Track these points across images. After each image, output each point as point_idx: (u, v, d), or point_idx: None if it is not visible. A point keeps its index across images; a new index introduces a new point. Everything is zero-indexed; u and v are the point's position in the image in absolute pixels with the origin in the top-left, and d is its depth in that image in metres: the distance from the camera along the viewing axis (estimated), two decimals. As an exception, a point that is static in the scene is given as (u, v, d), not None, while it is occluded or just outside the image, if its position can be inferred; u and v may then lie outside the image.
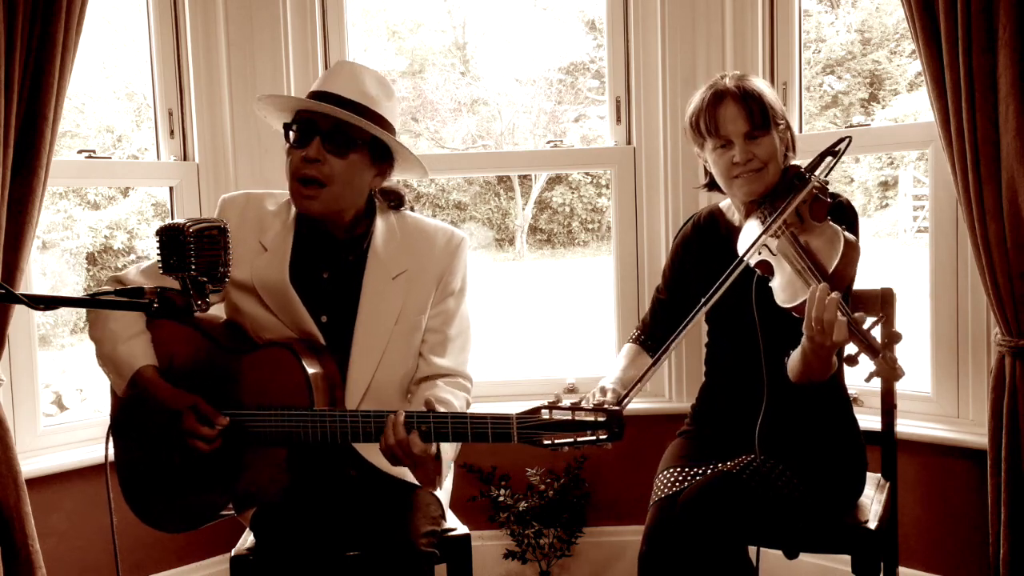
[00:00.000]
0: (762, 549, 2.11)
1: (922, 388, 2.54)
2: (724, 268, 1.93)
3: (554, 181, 11.65)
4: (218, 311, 1.88)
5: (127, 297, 1.36)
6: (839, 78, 9.51)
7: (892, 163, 9.48)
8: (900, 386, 1.76)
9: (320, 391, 1.77)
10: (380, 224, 1.94)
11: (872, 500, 2.06)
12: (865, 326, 1.68)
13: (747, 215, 2.01)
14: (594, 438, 1.56)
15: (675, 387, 2.88)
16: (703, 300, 1.89)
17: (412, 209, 2.03)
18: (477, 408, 1.95)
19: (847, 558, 2.02)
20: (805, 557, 2.45)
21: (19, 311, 2.34)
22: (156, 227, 1.45)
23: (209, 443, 1.76)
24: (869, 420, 2.19)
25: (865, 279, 1.86)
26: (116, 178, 3.03)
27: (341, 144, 1.80)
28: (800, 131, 2.79)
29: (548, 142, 3.01)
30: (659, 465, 2.07)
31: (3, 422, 2.23)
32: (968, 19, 2.04)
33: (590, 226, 11.92)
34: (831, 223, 1.84)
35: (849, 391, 2.08)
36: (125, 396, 1.88)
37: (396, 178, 2.00)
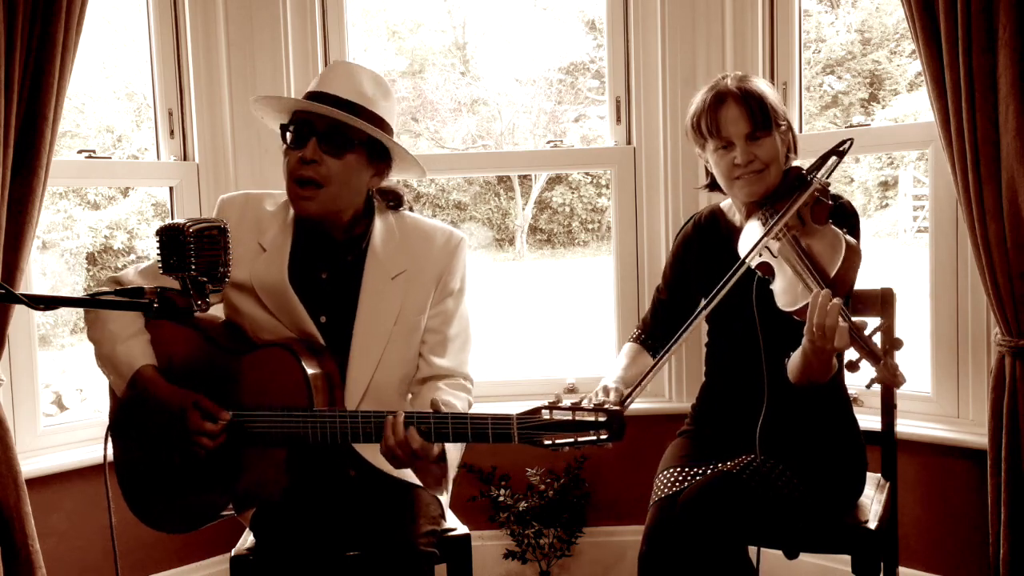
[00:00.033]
0: (762, 549, 2.10)
1: (922, 388, 2.54)
2: (725, 268, 1.93)
3: (554, 181, 11.65)
4: (217, 311, 1.88)
5: (127, 297, 1.36)
6: (839, 78, 9.51)
7: (892, 163, 9.48)
8: (897, 365, 1.76)
9: (319, 391, 1.77)
10: (379, 224, 1.94)
11: (872, 500, 2.06)
12: (867, 332, 1.68)
13: (748, 215, 2.01)
14: (595, 438, 1.56)
15: (675, 387, 2.88)
16: (705, 303, 1.89)
17: (411, 209, 2.03)
18: (477, 408, 1.95)
19: (847, 558, 2.02)
20: (805, 557, 2.45)
21: (19, 311, 2.34)
22: (156, 227, 1.45)
23: (214, 439, 1.76)
24: (869, 420, 2.19)
25: (865, 279, 1.86)
26: (116, 178, 3.03)
27: (337, 145, 1.80)
28: (800, 131, 2.79)
29: (548, 142, 3.01)
30: (659, 465, 2.07)
31: (3, 422, 2.23)
32: (968, 19, 2.04)
33: (590, 226, 11.92)
34: (832, 226, 1.84)
35: (849, 391, 2.07)
36: (125, 396, 1.87)
37: (396, 178, 2.01)
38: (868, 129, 2.69)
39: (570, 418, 1.57)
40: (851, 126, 2.79)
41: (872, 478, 2.14)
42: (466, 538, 1.97)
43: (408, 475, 1.87)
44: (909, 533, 2.49)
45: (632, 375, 2.05)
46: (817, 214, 1.87)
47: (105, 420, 1.96)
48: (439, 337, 1.95)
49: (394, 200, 1.99)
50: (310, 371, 1.76)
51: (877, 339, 1.68)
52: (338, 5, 2.89)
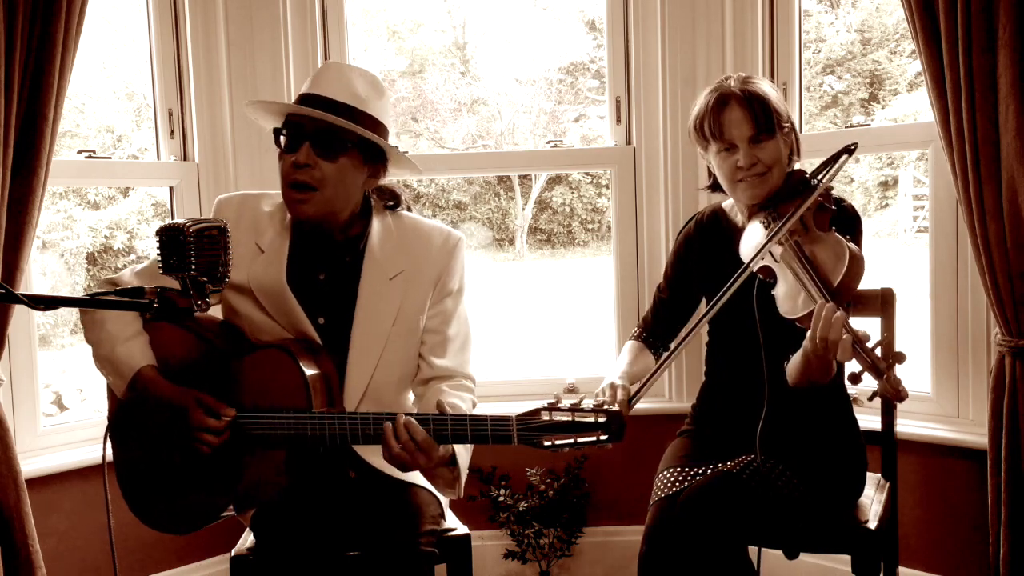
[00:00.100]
0: (762, 549, 2.11)
1: (922, 388, 2.54)
2: (726, 267, 1.94)
3: (554, 181, 11.65)
4: (215, 312, 1.88)
5: (127, 297, 1.36)
6: (839, 78, 9.51)
7: (892, 163, 9.49)
8: (899, 377, 1.76)
9: (318, 393, 1.76)
10: (376, 225, 1.93)
11: (872, 500, 2.06)
12: (870, 344, 1.68)
13: (750, 216, 2.01)
14: (594, 439, 1.56)
15: (675, 387, 2.88)
16: (707, 308, 1.90)
17: (409, 209, 2.02)
18: (478, 408, 1.95)
19: (847, 558, 2.02)
20: (805, 557, 2.45)
21: (19, 311, 2.34)
22: (156, 227, 1.44)
23: (218, 435, 1.75)
24: (869, 420, 2.19)
25: (865, 279, 1.86)
26: (116, 178, 3.03)
27: (331, 148, 1.79)
28: (800, 131, 2.78)
29: (548, 142, 3.01)
30: (659, 465, 2.06)
31: (3, 422, 2.23)
32: (968, 19, 2.04)
33: (590, 226, 11.93)
34: (836, 233, 1.84)
35: (849, 391, 2.07)
36: (125, 397, 1.87)
37: (395, 178, 2.00)
38: (868, 129, 2.69)
39: (569, 419, 1.57)
40: (851, 126, 2.79)
41: (872, 478, 2.14)
42: (466, 538, 1.97)
43: (409, 475, 1.87)
44: (909, 533, 2.49)
45: (636, 371, 2.06)
46: (820, 220, 1.87)
47: (105, 420, 1.96)
48: (439, 338, 1.94)
49: (392, 199, 1.98)
50: (308, 372, 1.76)
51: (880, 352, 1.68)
52: (338, 5, 2.89)
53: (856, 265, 1.78)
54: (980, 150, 2.08)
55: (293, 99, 1.88)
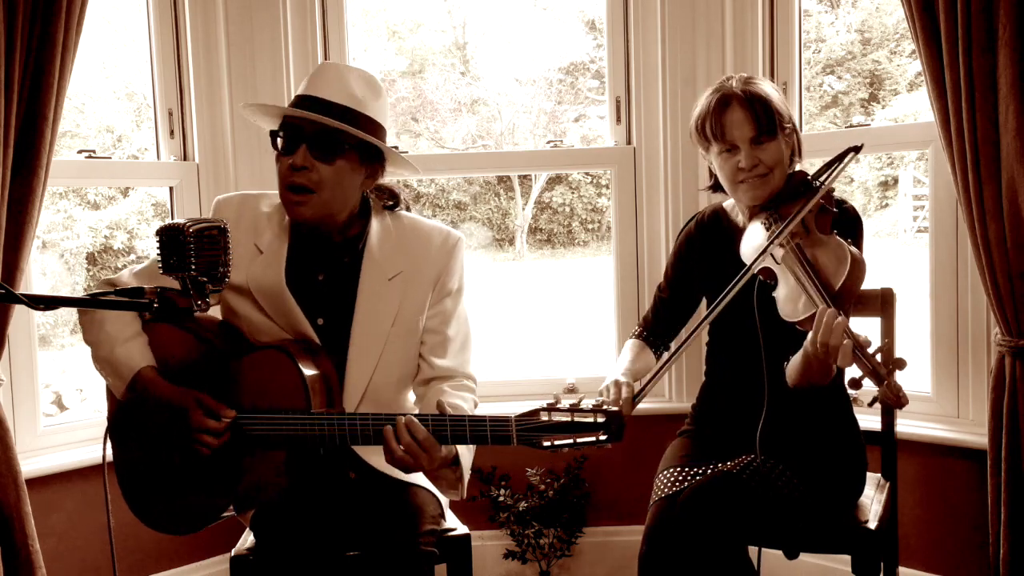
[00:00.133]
0: (762, 549, 2.10)
1: (922, 388, 2.54)
2: (727, 267, 1.94)
3: (554, 181, 11.65)
4: (214, 312, 1.88)
5: (127, 297, 1.36)
6: (839, 78, 9.51)
7: (892, 163, 9.49)
8: (900, 381, 1.76)
9: (317, 393, 1.76)
10: (375, 225, 1.93)
11: (872, 500, 2.06)
12: (871, 350, 1.67)
13: (751, 217, 2.01)
14: (593, 439, 1.55)
15: (675, 387, 2.88)
16: (708, 310, 1.90)
17: (408, 209, 2.02)
18: (479, 409, 1.95)
19: (847, 558, 2.02)
20: (805, 557, 2.45)
21: (19, 311, 2.34)
22: (156, 227, 1.44)
23: (218, 437, 1.75)
24: (869, 420, 2.19)
25: (865, 280, 1.86)
26: (116, 178, 3.03)
27: (328, 150, 1.78)
28: (800, 131, 2.78)
29: (548, 142, 3.01)
30: (659, 465, 2.06)
31: (3, 422, 2.23)
32: (968, 19, 2.04)
33: (590, 226, 11.92)
34: (837, 237, 1.84)
35: (849, 393, 2.07)
36: (124, 398, 1.87)
37: (395, 178, 2.00)
38: (868, 129, 2.69)
39: (569, 419, 1.56)
40: (851, 126, 2.79)
41: (872, 478, 2.14)
42: (466, 538, 1.97)
43: (410, 476, 1.86)
44: (909, 533, 2.49)
45: (639, 368, 2.06)
46: (822, 223, 1.87)
47: (105, 420, 1.96)
48: (439, 338, 1.94)
49: (391, 199, 1.98)
50: (307, 372, 1.75)
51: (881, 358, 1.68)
52: (338, 5, 2.89)
53: (857, 269, 1.78)
54: (980, 150, 2.08)
55: (292, 99, 1.88)
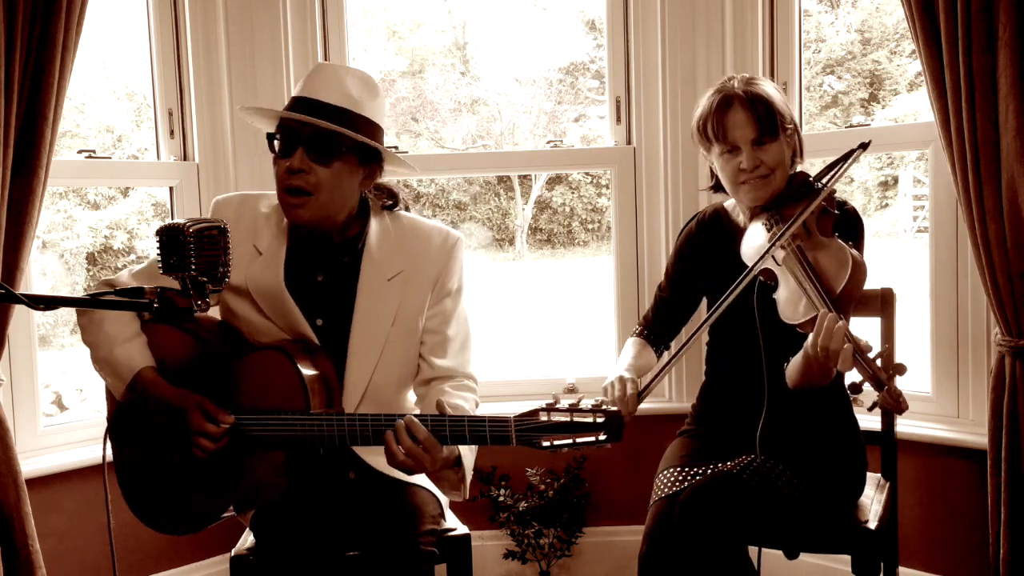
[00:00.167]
0: (762, 549, 2.10)
1: (922, 388, 2.54)
2: (728, 267, 1.94)
3: (554, 181, 11.65)
4: (213, 312, 1.87)
5: (127, 297, 1.36)
6: (839, 78, 9.51)
7: (892, 163, 9.49)
8: (900, 386, 1.76)
9: (316, 394, 1.76)
10: (374, 225, 1.92)
11: (872, 500, 2.06)
12: (871, 355, 1.67)
13: (752, 217, 2.01)
14: (593, 439, 1.55)
15: (675, 387, 2.88)
16: (709, 312, 1.90)
17: (408, 209, 2.02)
18: (479, 409, 1.95)
19: (847, 558, 2.02)
20: (805, 557, 2.45)
21: (19, 311, 2.34)
22: (156, 227, 1.44)
23: (215, 441, 1.75)
24: (869, 420, 2.19)
25: (866, 282, 1.86)
26: (116, 178, 3.03)
27: (325, 152, 1.78)
28: (801, 131, 2.78)
29: (548, 142, 3.01)
30: (659, 465, 2.06)
31: (3, 422, 2.23)
32: (968, 19, 2.04)
33: (590, 226, 11.93)
34: (838, 240, 1.83)
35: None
36: (124, 399, 1.87)
37: (395, 177, 2.00)
38: (868, 129, 2.69)
39: (568, 419, 1.56)
40: (851, 126, 2.79)
41: (872, 478, 2.14)
42: (466, 538, 1.97)
43: (411, 476, 1.86)
44: (909, 533, 2.49)
45: (642, 365, 2.07)
46: (823, 225, 1.86)
47: (105, 420, 1.96)
48: (439, 338, 1.94)
49: (390, 198, 1.97)
50: (306, 373, 1.75)
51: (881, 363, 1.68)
52: (338, 5, 2.89)
53: (859, 273, 1.78)
54: (980, 150, 2.08)
55: (288, 101, 1.86)
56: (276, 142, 1.82)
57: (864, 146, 1.92)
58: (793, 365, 1.86)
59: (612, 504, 2.89)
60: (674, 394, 2.88)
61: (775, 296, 1.85)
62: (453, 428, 1.65)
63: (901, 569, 2.44)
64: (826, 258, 1.80)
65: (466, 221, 11.60)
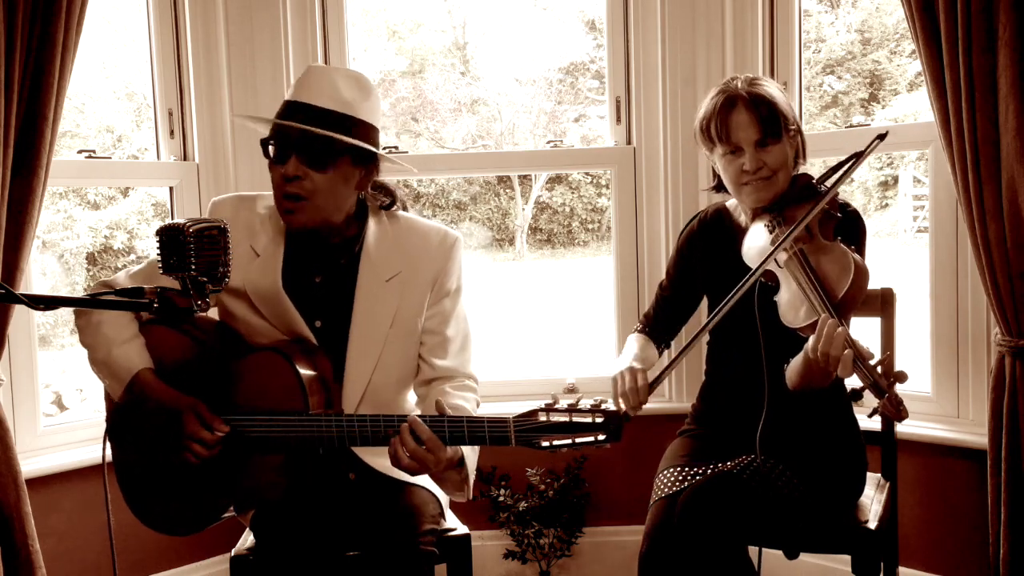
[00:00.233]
0: (762, 549, 2.10)
1: (922, 388, 2.54)
2: (729, 267, 1.93)
3: (554, 181, 11.65)
4: (211, 313, 1.87)
5: (127, 297, 1.36)
6: (839, 78, 9.51)
7: (892, 163, 9.49)
8: (900, 386, 1.76)
9: (315, 394, 1.76)
10: (372, 226, 1.92)
11: (872, 500, 2.06)
12: (872, 362, 1.66)
13: (753, 217, 2.00)
14: (592, 439, 1.55)
15: (675, 387, 2.88)
16: (711, 315, 1.89)
17: (406, 208, 2.01)
18: (479, 409, 1.95)
19: (847, 558, 2.02)
20: (805, 557, 2.45)
21: (19, 311, 2.34)
22: (156, 227, 1.44)
23: (209, 448, 1.75)
24: (869, 420, 2.19)
25: (868, 287, 1.86)
26: (116, 178, 3.03)
27: (319, 157, 1.77)
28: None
29: (548, 142, 3.01)
30: (659, 465, 2.06)
31: (3, 422, 2.23)
32: (968, 19, 2.04)
33: (590, 226, 11.92)
34: (841, 244, 1.83)
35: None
36: (122, 400, 1.86)
37: (394, 177, 1.99)
38: (868, 129, 2.69)
39: (567, 420, 1.56)
40: (851, 126, 2.79)
41: (872, 478, 2.14)
42: (466, 538, 1.97)
43: (406, 475, 1.86)
44: (909, 533, 2.49)
45: (647, 358, 2.07)
46: (825, 228, 1.86)
47: (104, 420, 1.96)
48: (438, 338, 1.94)
49: (387, 197, 1.96)
50: (304, 373, 1.74)
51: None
52: (338, 5, 2.89)
53: (860, 278, 1.77)
54: (980, 150, 2.08)
55: (280, 106, 1.84)
56: (270, 148, 1.81)
57: (882, 137, 1.89)
58: (793, 367, 1.86)
59: (612, 504, 2.89)
60: (674, 394, 2.88)
61: (776, 299, 1.85)
62: (452, 429, 1.65)
63: (901, 569, 2.44)
64: (828, 263, 1.80)
65: (466, 221, 11.60)
